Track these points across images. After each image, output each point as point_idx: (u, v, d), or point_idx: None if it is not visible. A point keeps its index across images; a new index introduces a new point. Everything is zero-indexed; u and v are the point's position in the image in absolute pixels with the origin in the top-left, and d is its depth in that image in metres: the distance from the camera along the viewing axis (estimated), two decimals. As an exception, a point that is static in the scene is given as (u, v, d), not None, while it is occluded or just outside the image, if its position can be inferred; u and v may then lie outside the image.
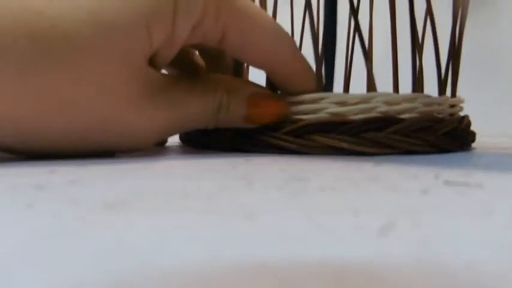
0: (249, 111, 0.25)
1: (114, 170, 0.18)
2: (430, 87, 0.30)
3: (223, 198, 0.13)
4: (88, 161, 0.20)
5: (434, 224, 0.10)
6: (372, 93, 0.26)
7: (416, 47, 0.29)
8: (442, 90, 0.30)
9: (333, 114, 0.26)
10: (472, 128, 0.31)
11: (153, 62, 0.22)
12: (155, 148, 0.29)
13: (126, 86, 0.21)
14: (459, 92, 0.31)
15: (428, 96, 0.27)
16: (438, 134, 0.26)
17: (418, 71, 0.29)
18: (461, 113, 0.30)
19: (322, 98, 0.26)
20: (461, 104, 0.30)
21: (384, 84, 0.29)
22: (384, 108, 0.26)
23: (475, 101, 0.34)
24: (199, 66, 0.29)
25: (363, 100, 0.26)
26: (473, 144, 0.31)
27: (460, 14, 0.29)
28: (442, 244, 0.09)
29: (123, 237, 0.09)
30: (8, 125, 0.19)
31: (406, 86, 0.30)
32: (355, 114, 0.26)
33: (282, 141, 0.26)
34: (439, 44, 0.29)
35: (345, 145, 0.25)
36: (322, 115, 0.26)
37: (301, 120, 0.26)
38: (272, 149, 0.26)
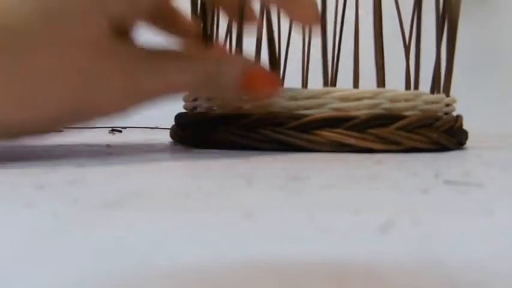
0: (244, 81, 0.24)
1: (114, 170, 0.18)
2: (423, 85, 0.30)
3: (223, 198, 0.13)
4: (88, 161, 0.20)
5: (434, 222, 0.10)
6: (376, 90, 0.26)
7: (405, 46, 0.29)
8: (435, 89, 0.30)
9: (337, 109, 0.26)
10: (471, 126, 0.31)
11: (121, 27, 0.22)
12: (155, 148, 0.29)
13: (92, 65, 0.20)
14: (457, 91, 0.31)
15: (429, 95, 0.28)
16: (439, 132, 0.27)
17: (406, 70, 0.29)
18: (456, 112, 0.30)
19: (327, 93, 0.26)
20: (454, 104, 0.30)
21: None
22: (387, 105, 0.26)
23: (473, 100, 0.34)
24: (190, 30, 0.29)
25: (367, 96, 0.26)
26: (473, 143, 0.31)
27: (450, 14, 0.30)
28: (442, 243, 0.09)
29: (123, 237, 0.09)
30: None
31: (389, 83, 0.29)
32: (359, 110, 0.26)
33: (288, 136, 0.26)
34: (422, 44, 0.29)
35: (353, 141, 0.25)
36: (326, 110, 0.26)
37: (306, 115, 0.26)
38: (277, 145, 0.26)
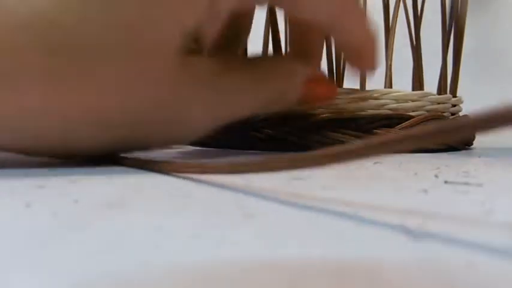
0: (304, 95, 0.24)
1: (114, 170, 0.18)
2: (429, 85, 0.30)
3: (224, 197, 0.13)
4: (88, 161, 0.20)
5: (434, 223, 0.10)
6: (381, 90, 0.26)
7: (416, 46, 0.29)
8: (442, 89, 0.30)
9: (343, 109, 0.26)
10: None
11: (197, 41, 0.21)
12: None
13: (166, 90, 0.19)
14: (462, 90, 0.31)
15: (435, 95, 0.28)
16: None
17: (413, 71, 0.29)
18: (461, 113, 0.30)
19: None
20: (461, 104, 0.30)
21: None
22: (393, 105, 0.26)
23: (476, 100, 0.34)
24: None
25: (375, 96, 0.26)
26: (474, 143, 0.31)
27: (459, 14, 0.30)
28: (442, 243, 0.09)
29: (123, 236, 0.09)
30: (42, 145, 0.18)
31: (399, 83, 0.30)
32: (366, 110, 0.26)
33: (292, 136, 0.26)
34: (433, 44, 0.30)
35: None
36: (332, 111, 0.26)
37: (315, 115, 0.26)
38: (281, 145, 0.26)
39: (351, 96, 0.26)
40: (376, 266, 0.07)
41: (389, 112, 0.26)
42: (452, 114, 0.29)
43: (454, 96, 0.30)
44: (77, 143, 0.19)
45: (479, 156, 0.25)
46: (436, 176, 0.16)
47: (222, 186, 0.14)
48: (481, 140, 0.33)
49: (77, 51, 0.17)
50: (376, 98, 0.26)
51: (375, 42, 0.24)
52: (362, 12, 0.24)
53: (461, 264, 0.07)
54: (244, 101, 0.22)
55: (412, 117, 0.26)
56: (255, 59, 0.25)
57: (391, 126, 0.26)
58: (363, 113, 0.26)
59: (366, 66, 0.25)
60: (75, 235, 0.09)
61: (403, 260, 0.08)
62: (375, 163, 0.21)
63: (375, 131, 0.26)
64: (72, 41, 0.17)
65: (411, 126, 0.26)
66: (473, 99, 0.35)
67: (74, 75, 0.17)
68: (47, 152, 0.19)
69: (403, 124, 0.26)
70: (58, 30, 0.17)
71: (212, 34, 0.21)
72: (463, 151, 0.28)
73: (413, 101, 0.27)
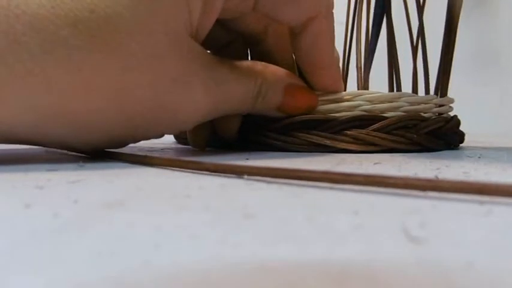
0: (284, 100, 0.25)
1: (114, 170, 0.18)
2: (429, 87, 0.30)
3: (223, 198, 0.13)
4: (88, 161, 0.20)
5: (434, 223, 0.10)
6: (356, 91, 0.27)
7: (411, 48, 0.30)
8: (428, 89, 0.30)
9: (317, 111, 0.26)
10: (473, 127, 0.31)
11: (193, 34, 0.22)
12: (156, 148, 0.29)
13: (173, 67, 0.20)
14: (461, 92, 0.31)
15: (413, 96, 0.28)
16: (421, 133, 0.26)
17: (413, 72, 0.29)
18: (455, 113, 0.30)
19: None
20: (451, 104, 0.30)
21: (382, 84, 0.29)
22: (367, 106, 0.26)
23: (475, 100, 0.34)
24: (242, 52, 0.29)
25: (347, 98, 0.26)
26: (473, 143, 0.31)
27: (453, 15, 0.30)
28: (442, 244, 0.09)
29: (123, 237, 0.09)
30: (62, 119, 0.19)
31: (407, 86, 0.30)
32: (339, 112, 0.26)
33: (267, 138, 0.26)
34: (434, 45, 0.30)
35: (327, 142, 0.25)
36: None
37: (285, 118, 0.26)
38: (258, 146, 0.27)
39: (324, 98, 0.26)
40: (376, 266, 0.07)
41: (363, 113, 0.26)
42: (439, 114, 0.29)
43: (443, 95, 0.30)
44: (98, 124, 0.20)
45: (479, 156, 0.25)
46: (436, 176, 0.16)
47: (222, 186, 0.14)
48: (481, 140, 0.33)
49: (100, 28, 0.18)
50: (349, 100, 0.26)
51: (338, 64, 0.27)
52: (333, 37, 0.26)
53: (461, 264, 0.07)
54: (235, 91, 0.24)
55: (385, 118, 0.26)
56: (242, 60, 0.26)
57: (363, 127, 0.26)
58: (336, 114, 0.26)
59: (327, 83, 0.27)
60: (75, 235, 0.09)
61: (403, 261, 0.08)
62: (375, 164, 0.21)
63: (346, 132, 0.26)
64: (94, 18, 0.18)
65: (384, 127, 0.26)
66: (472, 99, 0.35)
67: (97, 51, 0.18)
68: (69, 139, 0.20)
69: (375, 125, 0.26)
70: (82, 9, 0.18)
71: (205, 29, 0.22)
72: (463, 151, 0.28)
73: (388, 102, 0.27)
